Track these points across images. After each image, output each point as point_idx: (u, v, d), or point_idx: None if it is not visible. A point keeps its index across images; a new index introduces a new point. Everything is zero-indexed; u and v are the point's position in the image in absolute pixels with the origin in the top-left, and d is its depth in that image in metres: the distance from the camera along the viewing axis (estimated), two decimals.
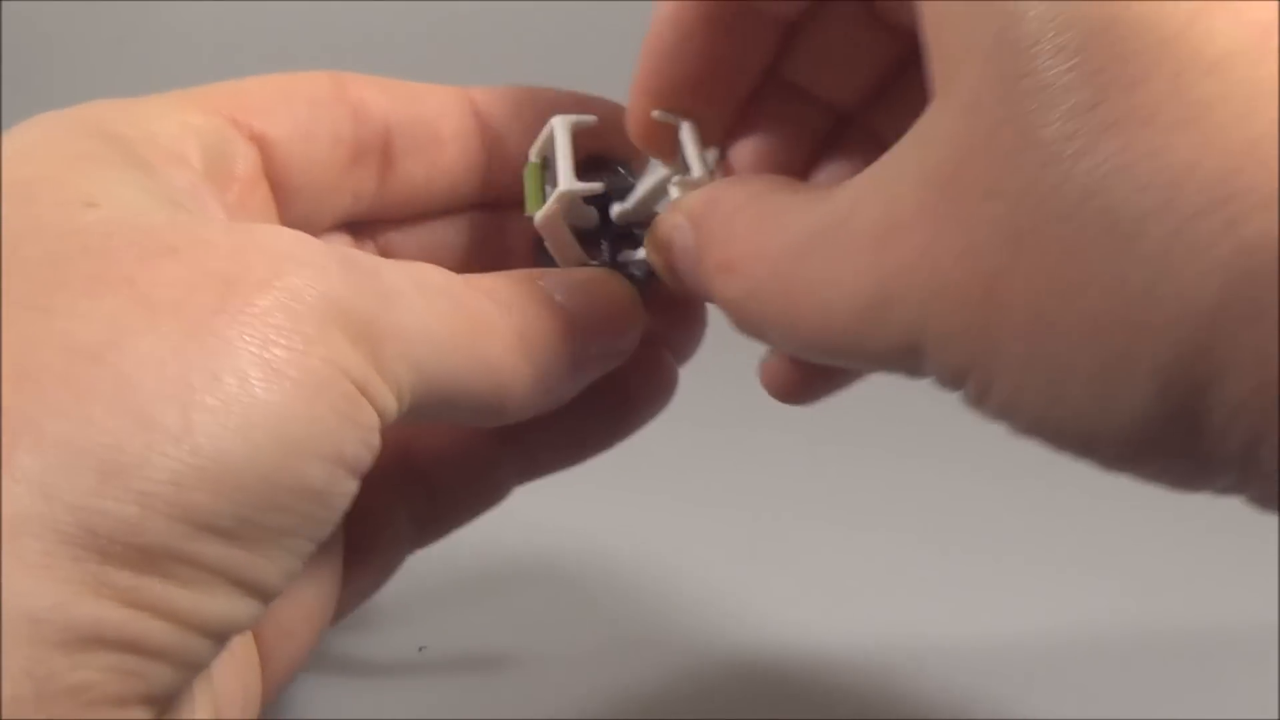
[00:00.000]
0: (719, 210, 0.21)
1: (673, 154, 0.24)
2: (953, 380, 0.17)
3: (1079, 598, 0.37)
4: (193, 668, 0.17)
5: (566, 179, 0.24)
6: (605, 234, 0.25)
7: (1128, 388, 0.14)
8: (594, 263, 0.25)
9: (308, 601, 0.23)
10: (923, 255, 0.16)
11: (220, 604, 0.17)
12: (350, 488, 0.18)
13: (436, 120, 0.25)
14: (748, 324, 0.20)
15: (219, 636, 0.17)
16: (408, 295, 0.19)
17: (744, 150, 0.25)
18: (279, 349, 0.17)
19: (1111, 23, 0.14)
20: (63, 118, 0.21)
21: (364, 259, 0.19)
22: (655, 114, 0.24)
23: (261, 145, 0.23)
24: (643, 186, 0.25)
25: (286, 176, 0.24)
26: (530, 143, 0.25)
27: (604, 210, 0.25)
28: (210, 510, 0.16)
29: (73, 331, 0.16)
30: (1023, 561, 0.39)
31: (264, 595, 0.17)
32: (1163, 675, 0.34)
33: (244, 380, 0.16)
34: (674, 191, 0.24)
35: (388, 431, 0.19)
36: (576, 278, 0.23)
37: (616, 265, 0.25)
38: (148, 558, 0.15)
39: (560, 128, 0.24)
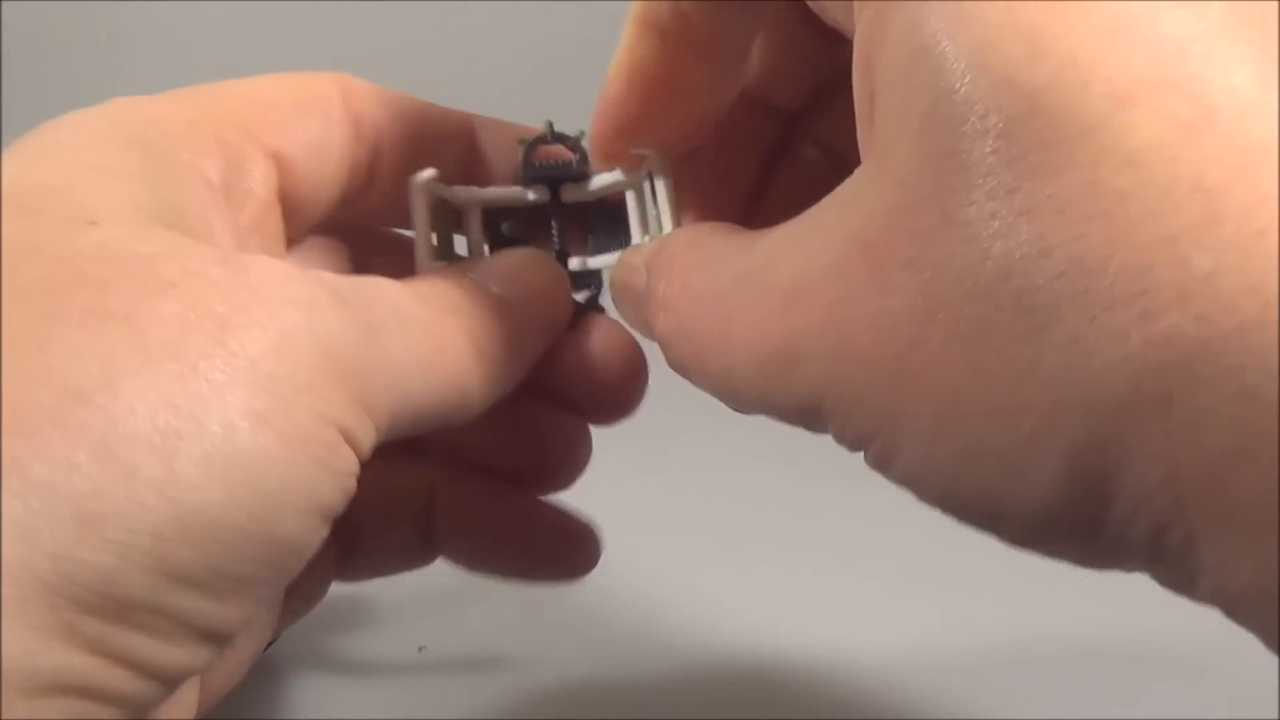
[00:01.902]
0: (665, 253, 0.22)
1: (633, 167, 0.25)
2: (853, 445, 0.17)
3: (1068, 604, 0.37)
4: (142, 709, 0.17)
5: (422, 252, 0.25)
6: (555, 212, 0.26)
7: (1036, 469, 0.14)
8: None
9: (253, 627, 0.24)
10: (833, 316, 0.16)
11: (183, 652, 0.17)
12: (322, 534, 0.18)
13: (426, 139, 0.26)
14: (674, 362, 0.21)
15: (174, 682, 0.17)
16: (391, 328, 0.20)
17: (698, 161, 0.26)
18: (267, 398, 0.17)
19: (1034, 109, 0.14)
20: (93, 119, 0.21)
21: (353, 293, 0.19)
22: (634, 150, 0.25)
23: (280, 163, 0.23)
24: (599, 180, 0.26)
25: (298, 194, 0.24)
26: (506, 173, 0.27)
27: (555, 190, 0.26)
28: (186, 562, 0.16)
29: (66, 369, 0.16)
30: (1009, 567, 0.39)
31: (222, 642, 0.17)
32: (1161, 679, 0.34)
33: (230, 430, 0.16)
34: (640, 239, 0.26)
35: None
36: (506, 265, 0.24)
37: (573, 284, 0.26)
38: (120, 608, 0.15)
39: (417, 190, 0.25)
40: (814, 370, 0.17)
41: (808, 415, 0.17)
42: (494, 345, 0.22)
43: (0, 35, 0.55)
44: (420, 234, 0.25)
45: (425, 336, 0.21)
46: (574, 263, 0.26)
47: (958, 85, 0.15)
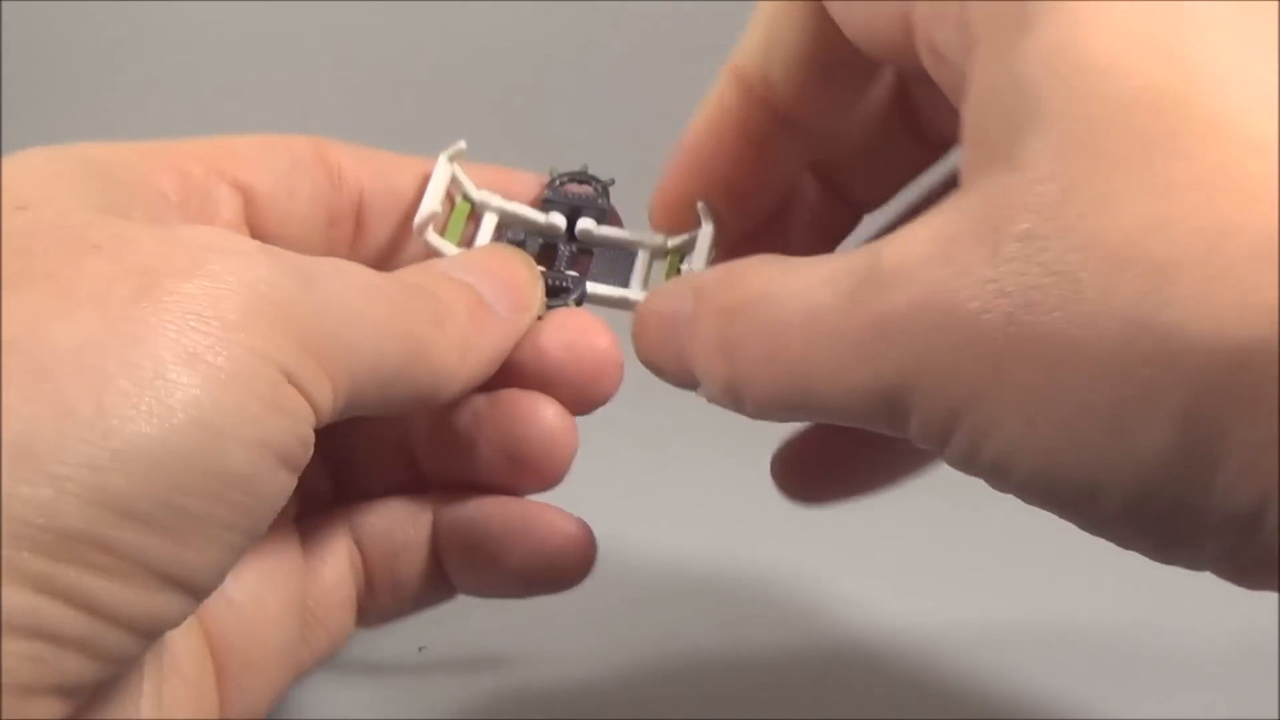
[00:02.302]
0: (729, 270, 0.22)
1: (678, 230, 0.26)
2: (940, 428, 0.17)
3: (1065, 603, 0.37)
4: (112, 662, 0.17)
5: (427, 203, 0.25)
6: (566, 241, 0.27)
7: (1148, 425, 0.15)
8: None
9: (269, 632, 0.23)
10: (936, 291, 0.17)
11: (141, 595, 0.16)
12: (281, 479, 0.18)
13: (407, 191, 0.26)
14: (730, 376, 0.21)
15: (142, 631, 0.17)
16: (334, 281, 0.20)
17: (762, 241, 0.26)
18: (198, 334, 0.17)
19: (1169, 106, 0.16)
20: (54, 149, 0.21)
21: (290, 253, 0.19)
22: (699, 205, 0.25)
23: (245, 194, 0.24)
24: (622, 232, 0.26)
25: (266, 228, 0.24)
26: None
27: (571, 222, 0.26)
28: (127, 494, 0.16)
29: None
30: (1022, 556, 0.39)
31: (191, 590, 0.17)
32: (1161, 679, 0.35)
33: (160, 365, 0.16)
34: (638, 293, 0.26)
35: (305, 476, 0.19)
36: (470, 257, 0.24)
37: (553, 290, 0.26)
38: (63, 543, 0.15)
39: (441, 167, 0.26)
40: (907, 348, 0.17)
41: (892, 400, 0.17)
42: (460, 320, 0.22)
43: (0, 35, 0.55)
44: (427, 198, 0.25)
45: (377, 296, 0.20)
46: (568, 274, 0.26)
47: (1095, 85, 0.16)
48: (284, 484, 0.18)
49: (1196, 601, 0.36)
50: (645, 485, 0.41)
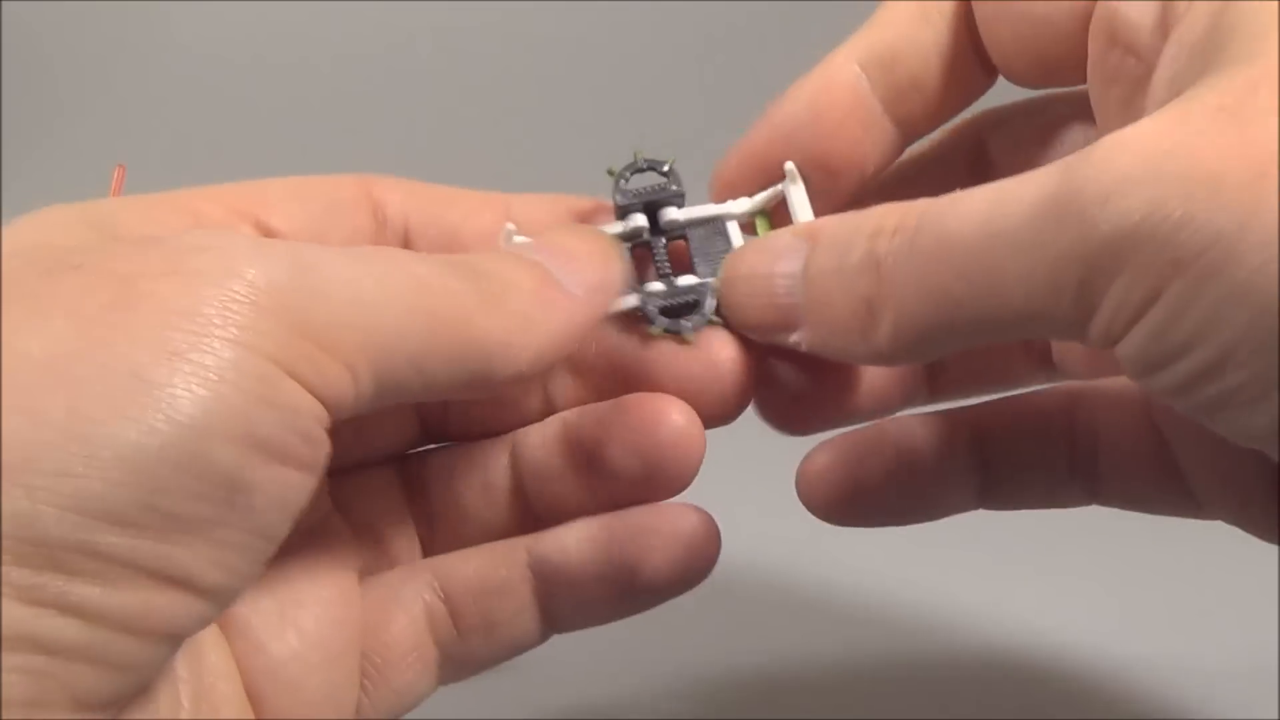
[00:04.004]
0: (864, 212, 0.21)
1: (756, 190, 0.25)
2: (1150, 292, 0.17)
3: (1074, 610, 0.37)
4: (130, 669, 0.17)
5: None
6: (655, 238, 0.25)
7: None
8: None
9: (308, 685, 0.22)
10: (1177, 148, 0.17)
11: (137, 598, 0.16)
12: (281, 475, 0.18)
13: (460, 224, 0.25)
14: (879, 295, 0.20)
15: (153, 634, 0.17)
16: (336, 265, 0.19)
17: None
18: (178, 333, 0.16)
19: None
20: (57, 208, 0.21)
21: (290, 243, 0.19)
22: (789, 166, 0.25)
23: (268, 236, 0.23)
24: (707, 208, 0.25)
25: None
26: None
27: (653, 216, 0.25)
28: (106, 498, 0.15)
29: None
30: (1029, 572, 0.39)
31: (197, 589, 0.17)
32: (1162, 678, 0.35)
33: (137, 367, 0.16)
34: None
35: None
36: (544, 237, 0.23)
37: (671, 327, 0.24)
38: (45, 552, 0.15)
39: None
40: (1138, 200, 0.16)
41: (1091, 276, 0.17)
42: (522, 296, 0.21)
43: (0, 35, 0.55)
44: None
45: (400, 275, 0.19)
46: (681, 280, 0.25)
47: None
48: (288, 481, 0.18)
49: (1197, 612, 0.37)
50: None
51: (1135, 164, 0.17)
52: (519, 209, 0.25)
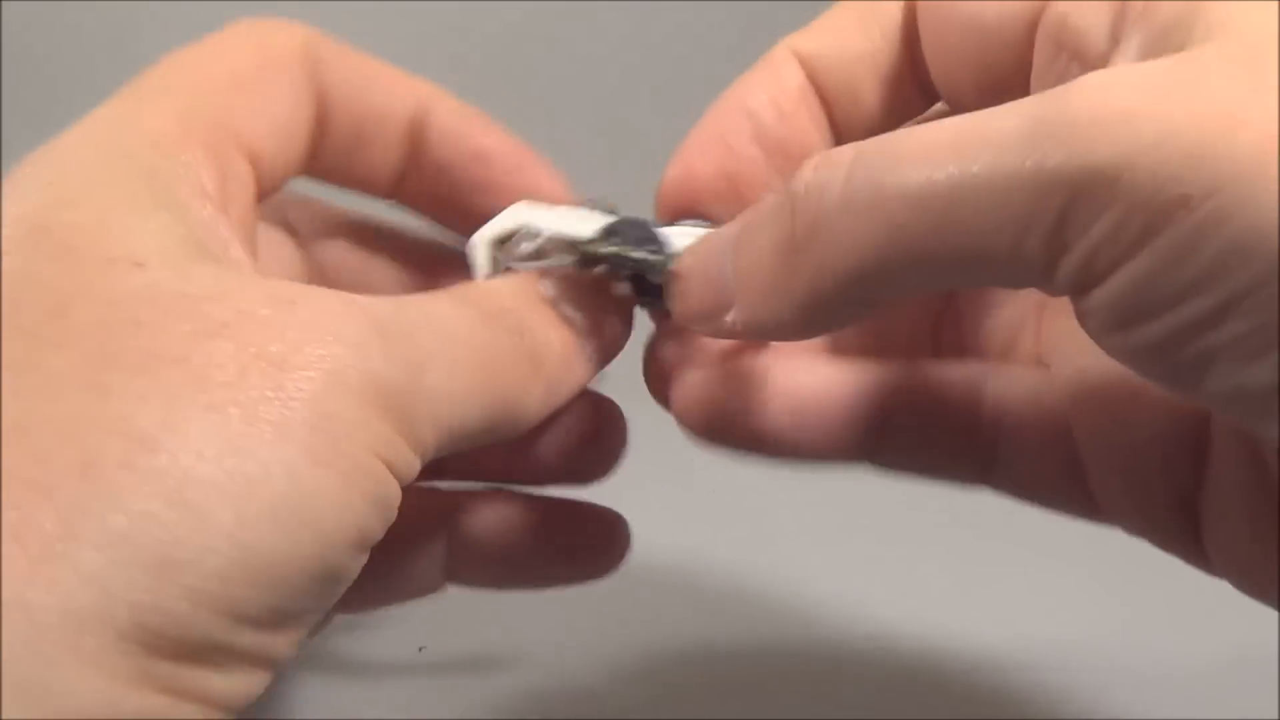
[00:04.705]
0: (832, 156, 0.19)
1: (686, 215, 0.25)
2: (1157, 218, 0.15)
3: (1072, 607, 0.37)
4: None
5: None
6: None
7: None
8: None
9: None
10: (1184, 85, 0.15)
11: (243, 682, 0.17)
12: (363, 562, 0.19)
13: (369, 116, 0.26)
14: (811, 232, 0.18)
15: (235, 708, 0.18)
16: (438, 358, 0.20)
17: None
18: (323, 437, 0.17)
19: None
20: (92, 141, 0.21)
21: (398, 323, 0.19)
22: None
23: (254, 163, 0.23)
24: (676, 241, 0.24)
25: (264, 183, 0.24)
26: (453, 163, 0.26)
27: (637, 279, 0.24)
28: (249, 603, 0.16)
29: (131, 416, 0.16)
30: (1020, 568, 0.39)
31: (280, 667, 0.18)
32: (1161, 678, 0.34)
33: (293, 472, 0.17)
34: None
35: None
36: (581, 286, 0.23)
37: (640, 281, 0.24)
38: (191, 649, 0.16)
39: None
40: (1149, 125, 0.15)
41: (1097, 186, 0.15)
42: (553, 363, 0.22)
43: (0, 35, 0.55)
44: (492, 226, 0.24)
45: (477, 363, 0.20)
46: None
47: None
48: (363, 563, 0.19)
49: (1195, 612, 0.37)
50: (648, 484, 0.41)
51: (1137, 93, 0.15)
52: (441, 117, 0.26)
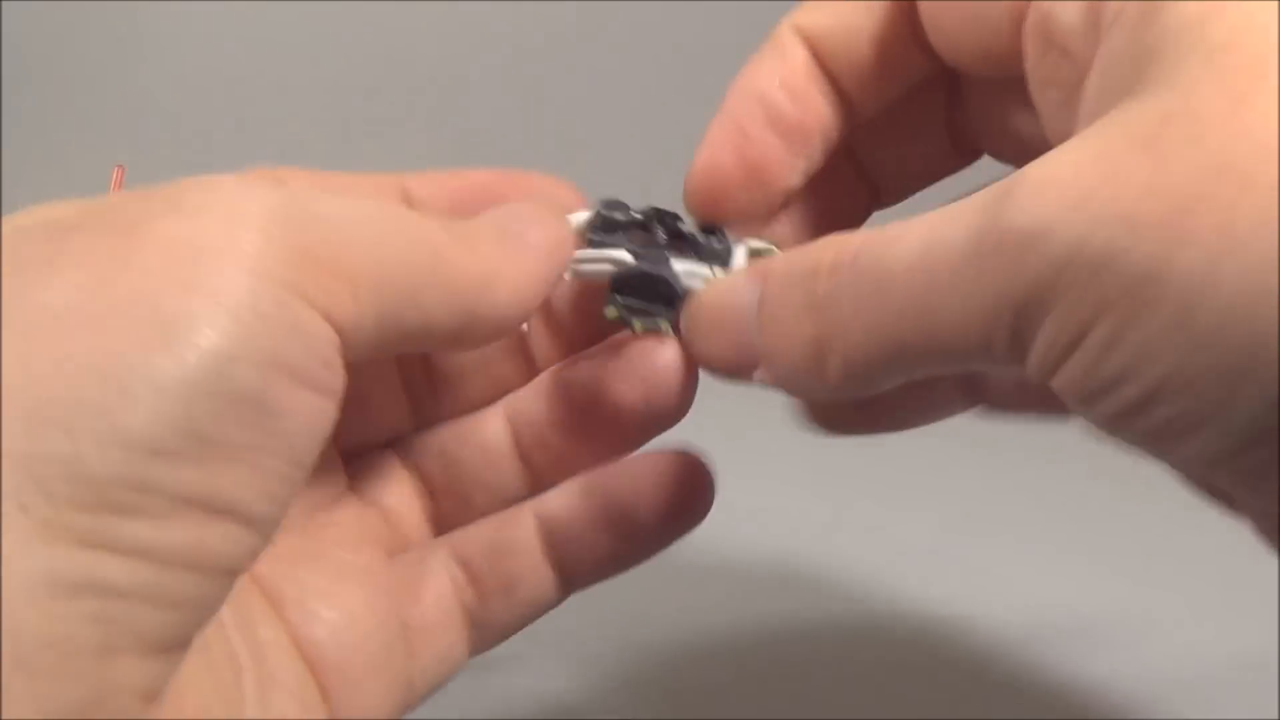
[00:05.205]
0: (808, 245, 0.22)
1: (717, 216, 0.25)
2: (1079, 329, 0.17)
3: (1075, 601, 0.37)
4: (190, 608, 0.17)
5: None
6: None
7: None
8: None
9: (365, 647, 0.23)
10: (1097, 190, 0.17)
11: (190, 531, 0.16)
12: (305, 400, 0.18)
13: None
14: (824, 333, 0.21)
15: (208, 568, 0.17)
16: (331, 199, 0.19)
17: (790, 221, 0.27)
18: (187, 266, 0.17)
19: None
20: (253, 222, 0.20)
21: (277, 180, 0.19)
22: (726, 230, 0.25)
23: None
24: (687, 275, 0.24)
25: None
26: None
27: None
28: (144, 430, 0.16)
29: (28, 289, 0.16)
30: (1026, 549, 0.39)
31: (243, 518, 0.17)
32: (1162, 678, 0.35)
33: (153, 301, 0.16)
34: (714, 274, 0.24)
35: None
36: (508, 207, 0.23)
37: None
38: (95, 492, 0.15)
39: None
40: (1061, 241, 0.17)
41: (1023, 313, 0.17)
42: (484, 245, 0.22)
43: (0, 35, 0.55)
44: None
45: (387, 209, 0.20)
46: (677, 266, 0.24)
47: (1251, 24, 0.17)
48: (313, 405, 0.18)
49: (1197, 610, 0.37)
50: None
51: (1056, 204, 0.17)
52: (417, 190, 0.26)
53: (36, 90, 0.55)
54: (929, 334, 0.19)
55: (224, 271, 0.17)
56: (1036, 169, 0.18)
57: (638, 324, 0.24)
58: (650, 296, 0.24)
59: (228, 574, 0.17)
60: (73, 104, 0.55)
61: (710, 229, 0.25)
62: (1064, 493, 0.39)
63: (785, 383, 0.22)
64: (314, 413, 0.18)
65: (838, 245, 0.21)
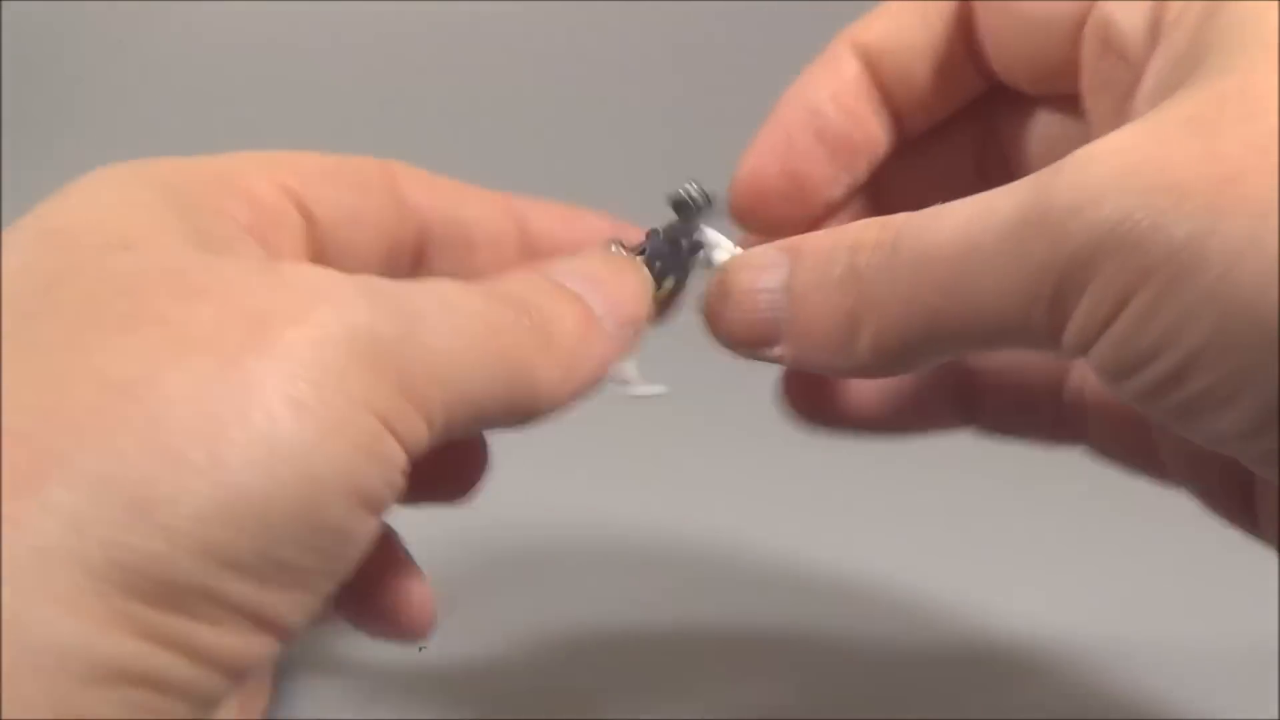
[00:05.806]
0: (844, 227, 0.22)
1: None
2: (1120, 296, 0.17)
3: (1074, 600, 0.38)
4: (207, 704, 0.17)
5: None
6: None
7: None
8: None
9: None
10: (1147, 160, 0.17)
11: (240, 641, 0.17)
12: (370, 527, 0.18)
13: (472, 224, 0.26)
14: (858, 308, 0.21)
15: (237, 674, 0.17)
16: (433, 318, 0.19)
17: None
18: (305, 384, 0.17)
19: None
20: (121, 170, 0.21)
21: (390, 286, 0.19)
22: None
23: (309, 220, 0.23)
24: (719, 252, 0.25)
25: (326, 255, 0.24)
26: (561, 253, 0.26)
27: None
28: (233, 546, 0.16)
29: (106, 367, 0.16)
30: (1024, 563, 0.39)
31: (283, 633, 0.18)
32: (1162, 679, 0.35)
33: (271, 416, 0.17)
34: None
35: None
36: (582, 265, 0.23)
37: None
38: (171, 593, 0.16)
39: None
40: (1107, 211, 0.17)
41: (1065, 283, 0.18)
42: (564, 338, 0.22)
43: (0, 35, 0.55)
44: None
45: (477, 323, 0.20)
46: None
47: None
48: (372, 530, 0.18)
49: (1197, 606, 0.37)
50: (648, 484, 0.41)
51: (1104, 176, 0.17)
52: (535, 219, 0.26)
53: (36, 90, 0.55)
54: (967, 309, 0.19)
55: (332, 399, 0.17)
56: (1087, 148, 0.18)
57: (666, 284, 0.24)
58: (670, 264, 0.24)
59: (245, 675, 0.18)
60: (73, 104, 0.55)
61: (695, 242, 0.25)
62: (1064, 493, 0.39)
63: (807, 359, 0.22)
64: (370, 534, 0.19)
65: (881, 222, 0.21)
